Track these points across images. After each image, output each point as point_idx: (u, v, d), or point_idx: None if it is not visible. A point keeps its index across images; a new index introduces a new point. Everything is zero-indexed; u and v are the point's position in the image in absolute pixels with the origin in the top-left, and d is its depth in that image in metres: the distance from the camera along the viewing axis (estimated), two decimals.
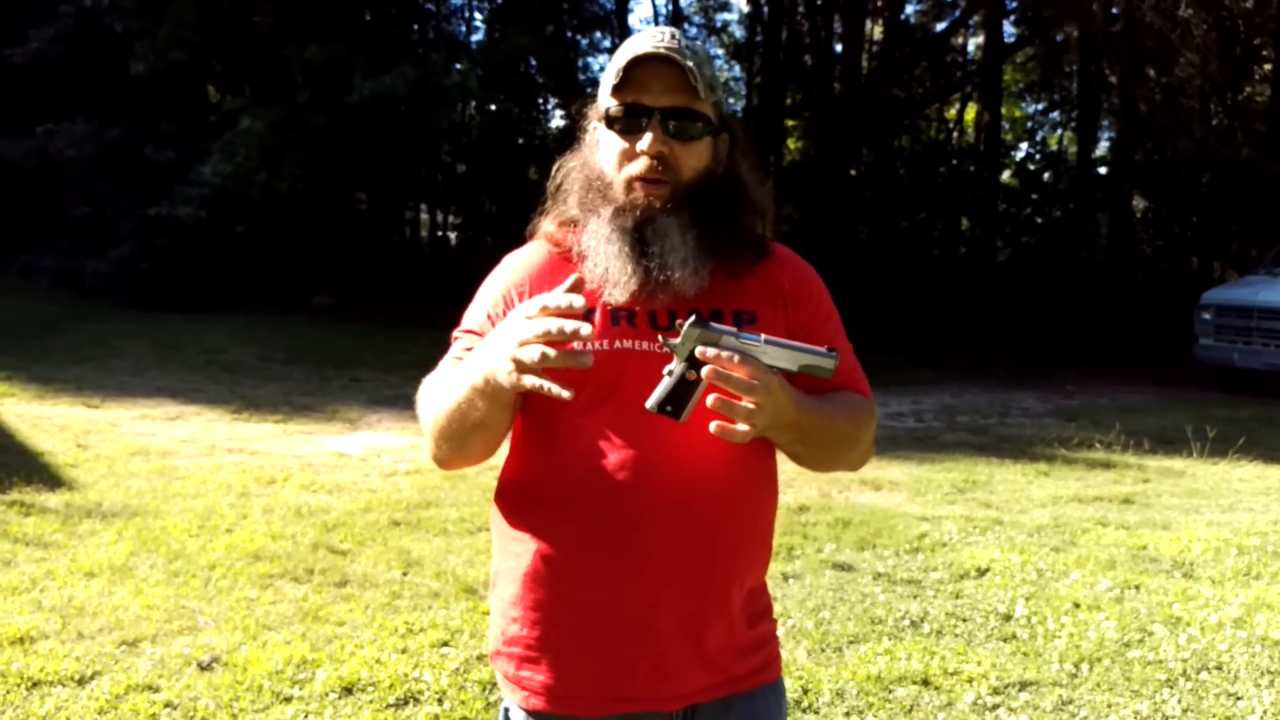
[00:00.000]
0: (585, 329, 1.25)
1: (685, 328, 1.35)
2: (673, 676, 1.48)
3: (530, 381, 1.28)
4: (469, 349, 1.51)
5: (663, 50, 1.45)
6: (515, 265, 1.59)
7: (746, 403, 1.33)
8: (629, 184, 1.49)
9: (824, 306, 1.63)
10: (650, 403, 1.36)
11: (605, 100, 1.51)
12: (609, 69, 1.51)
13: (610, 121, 1.50)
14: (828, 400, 1.54)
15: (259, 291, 15.73)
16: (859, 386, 1.63)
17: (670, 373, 1.36)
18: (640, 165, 1.47)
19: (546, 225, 1.59)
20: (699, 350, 1.33)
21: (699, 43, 1.55)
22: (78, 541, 4.77)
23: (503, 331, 1.33)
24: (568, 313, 1.26)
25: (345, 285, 16.40)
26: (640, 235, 1.47)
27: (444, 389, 1.46)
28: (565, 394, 1.27)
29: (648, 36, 1.49)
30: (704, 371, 1.32)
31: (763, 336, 1.38)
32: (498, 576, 1.57)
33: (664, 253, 1.46)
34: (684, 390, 1.34)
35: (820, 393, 1.58)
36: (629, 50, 1.48)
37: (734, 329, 1.37)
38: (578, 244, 1.51)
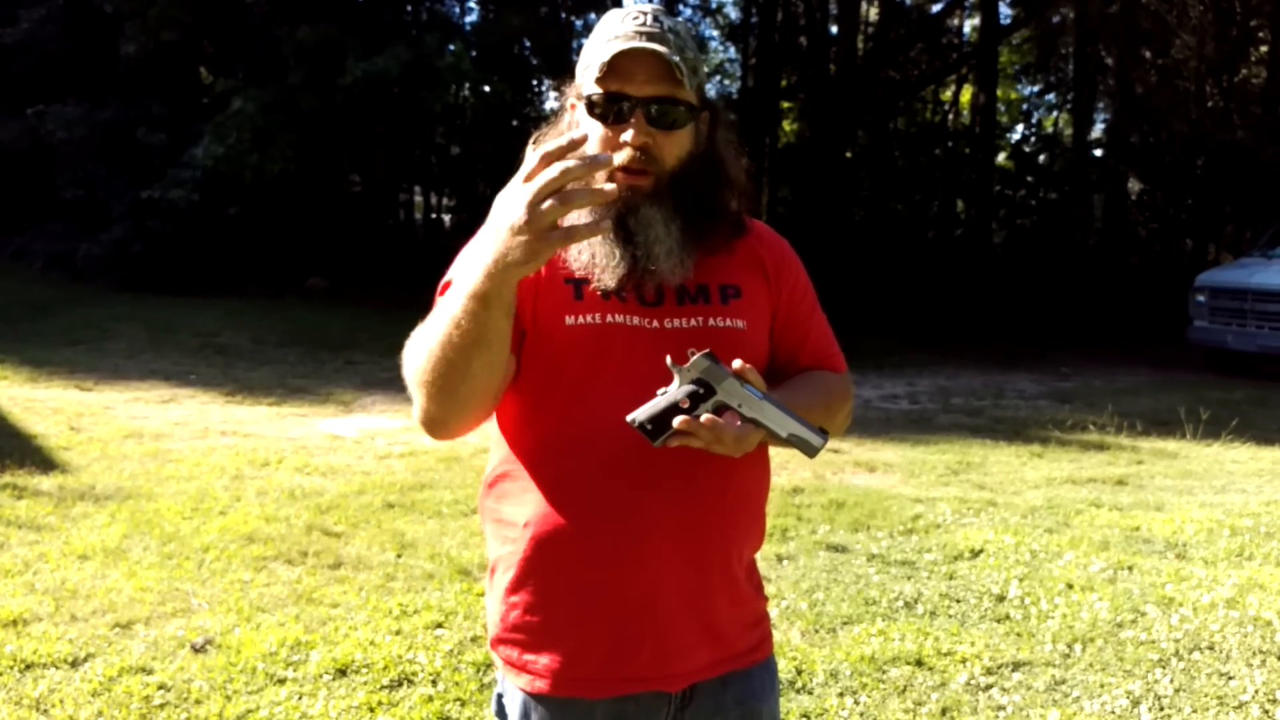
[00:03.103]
0: (604, 157, 1.22)
1: (695, 358, 1.35)
2: (678, 654, 1.49)
3: (557, 238, 1.18)
4: None
5: (646, 44, 1.43)
6: None
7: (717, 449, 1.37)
8: (611, 173, 1.46)
9: (802, 282, 1.64)
10: (632, 416, 1.36)
11: (587, 86, 1.48)
12: (591, 55, 1.47)
13: (591, 108, 1.48)
14: (802, 387, 1.54)
15: (252, 274, 15.69)
16: (834, 363, 1.64)
17: (664, 394, 1.35)
18: (623, 156, 1.45)
19: None
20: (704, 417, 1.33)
21: (680, 20, 1.52)
22: (71, 524, 4.76)
23: (500, 213, 1.21)
24: (573, 147, 1.17)
25: (339, 268, 16.35)
26: (623, 224, 1.46)
27: (437, 321, 1.33)
28: (606, 224, 1.24)
29: (629, 19, 1.46)
30: (703, 419, 1.33)
31: (762, 393, 1.37)
32: (496, 562, 1.56)
33: (649, 243, 1.46)
34: (670, 415, 1.34)
35: (797, 370, 1.59)
36: (611, 38, 1.45)
37: (738, 377, 1.36)
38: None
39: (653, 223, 1.46)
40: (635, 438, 1.41)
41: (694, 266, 1.49)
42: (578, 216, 1.25)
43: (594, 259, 1.46)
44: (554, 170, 1.16)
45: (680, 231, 1.47)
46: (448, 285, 1.50)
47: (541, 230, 1.17)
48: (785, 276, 1.60)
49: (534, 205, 1.17)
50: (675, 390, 1.35)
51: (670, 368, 1.36)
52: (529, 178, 1.18)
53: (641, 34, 1.44)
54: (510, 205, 1.20)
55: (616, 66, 1.43)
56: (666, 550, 1.45)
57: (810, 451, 1.39)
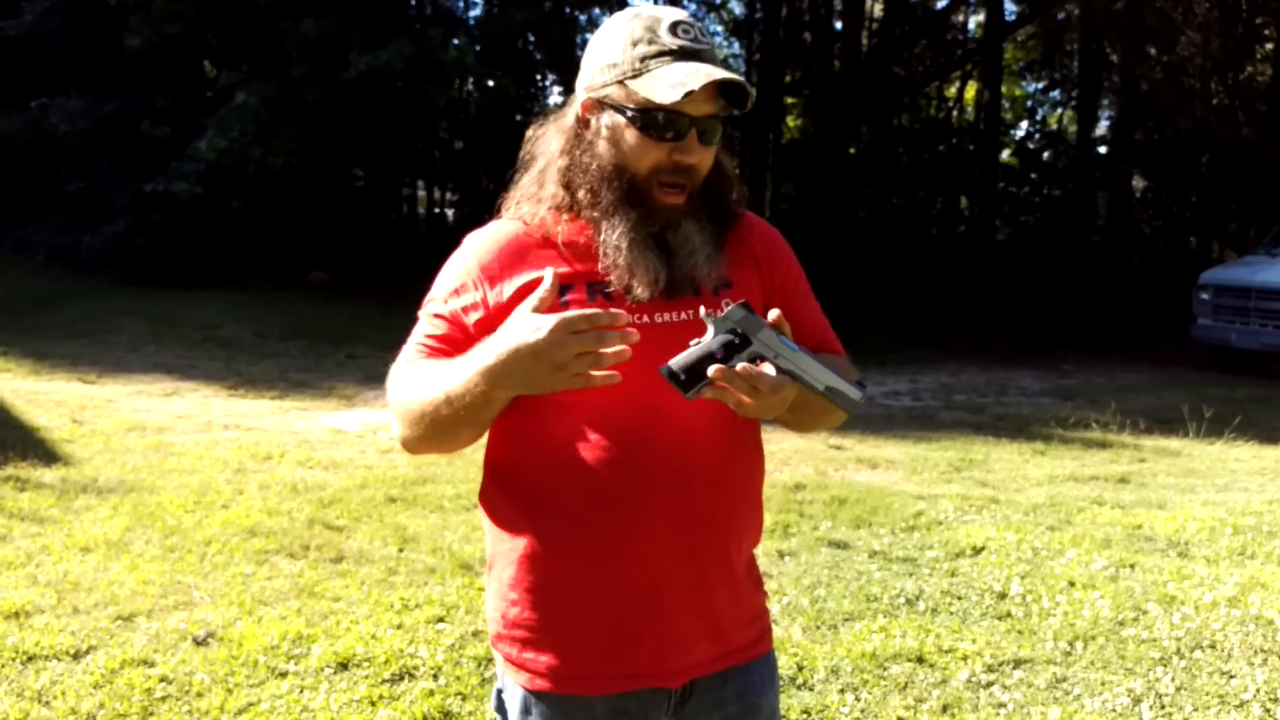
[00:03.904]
0: (635, 336, 1.26)
1: (730, 308, 1.33)
2: (677, 650, 1.48)
3: (578, 384, 1.28)
4: (437, 335, 1.47)
5: (725, 75, 1.40)
6: (483, 244, 1.53)
7: (750, 400, 1.33)
8: (655, 189, 1.45)
9: (794, 270, 1.63)
10: (666, 367, 1.31)
11: (644, 93, 1.42)
12: (658, 72, 1.42)
13: (640, 120, 1.44)
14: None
15: (255, 268, 15.68)
16: (833, 347, 1.64)
17: (698, 344, 1.32)
18: (669, 173, 1.44)
19: (529, 208, 1.53)
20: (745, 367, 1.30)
21: (702, 24, 1.51)
22: (73, 517, 4.77)
23: (520, 337, 1.27)
24: (611, 324, 1.25)
25: (342, 262, 16.34)
26: (664, 240, 1.46)
27: (431, 382, 1.38)
28: (616, 378, 1.28)
29: (679, 31, 1.44)
30: (739, 367, 1.30)
31: (797, 346, 1.35)
32: (494, 559, 1.56)
33: (687, 255, 1.46)
34: (704, 365, 1.29)
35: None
36: (663, 49, 1.42)
37: (774, 328, 1.35)
38: (596, 243, 1.47)
39: (690, 235, 1.47)
40: (627, 434, 1.40)
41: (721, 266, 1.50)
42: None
43: (634, 274, 1.44)
44: (598, 339, 1.24)
45: (712, 238, 1.48)
46: (425, 322, 1.51)
47: (563, 380, 1.26)
48: (777, 265, 1.60)
49: (561, 363, 1.25)
50: (710, 340, 1.32)
51: (704, 318, 1.34)
52: (560, 327, 1.24)
53: (698, 53, 1.43)
54: (534, 340, 1.25)
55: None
56: (663, 545, 1.45)
57: (849, 405, 1.36)
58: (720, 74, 1.40)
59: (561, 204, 1.51)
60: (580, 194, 1.49)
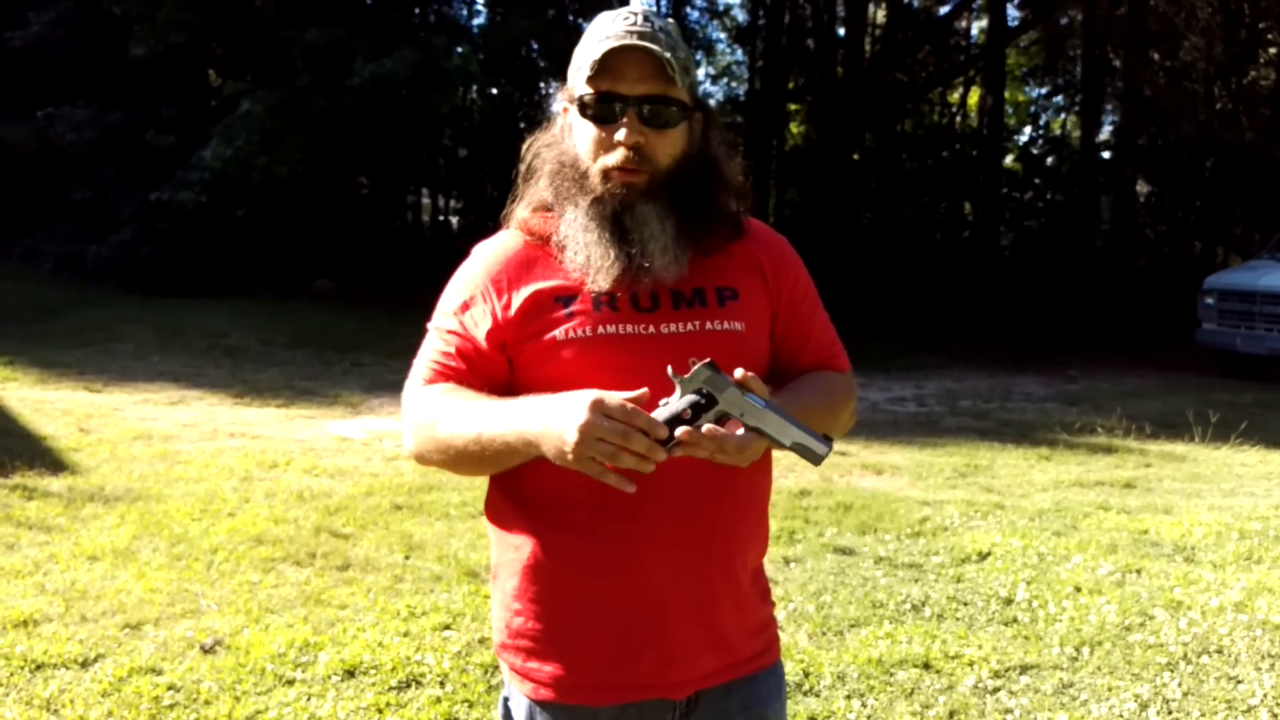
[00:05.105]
0: (661, 455, 1.28)
1: (696, 368, 1.34)
2: (682, 661, 1.49)
3: (592, 471, 1.29)
4: (449, 353, 1.49)
5: (638, 42, 1.43)
6: (490, 256, 1.55)
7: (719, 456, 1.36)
8: (605, 174, 1.47)
9: (802, 281, 1.63)
10: None
11: (579, 87, 1.48)
12: (583, 55, 1.48)
13: (584, 108, 1.48)
14: (805, 389, 1.54)
15: (260, 276, 15.72)
16: (837, 362, 1.64)
17: (666, 404, 1.35)
18: (616, 156, 1.46)
19: (520, 212, 1.56)
20: (706, 428, 1.32)
21: (670, 20, 1.53)
22: (80, 525, 4.78)
23: (570, 415, 1.27)
24: (649, 428, 1.27)
25: (347, 269, 16.38)
26: (619, 223, 1.46)
27: (464, 418, 1.40)
28: (630, 487, 1.29)
29: (619, 20, 1.47)
30: (705, 429, 1.33)
31: (765, 401, 1.36)
32: (499, 569, 1.56)
33: (644, 240, 1.46)
34: (673, 426, 1.33)
35: (799, 370, 1.58)
36: (602, 37, 1.45)
37: (740, 386, 1.36)
38: (556, 233, 1.49)
39: (648, 220, 1.46)
40: None
41: (689, 266, 1.48)
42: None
43: (589, 260, 1.46)
44: (623, 434, 1.25)
45: (675, 229, 1.47)
46: (436, 336, 1.53)
47: (582, 459, 1.27)
48: (784, 276, 1.59)
49: (590, 443, 1.25)
50: (677, 401, 1.34)
51: (672, 378, 1.35)
52: (608, 412, 1.25)
53: (632, 33, 1.44)
54: (579, 421, 1.25)
55: (608, 66, 1.43)
56: (667, 557, 1.45)
57: (814, 459, 1.39)
58: (616, 43, 1.43)
59: (549, 205, 1.53)
60: (554, 190, 1.51)
